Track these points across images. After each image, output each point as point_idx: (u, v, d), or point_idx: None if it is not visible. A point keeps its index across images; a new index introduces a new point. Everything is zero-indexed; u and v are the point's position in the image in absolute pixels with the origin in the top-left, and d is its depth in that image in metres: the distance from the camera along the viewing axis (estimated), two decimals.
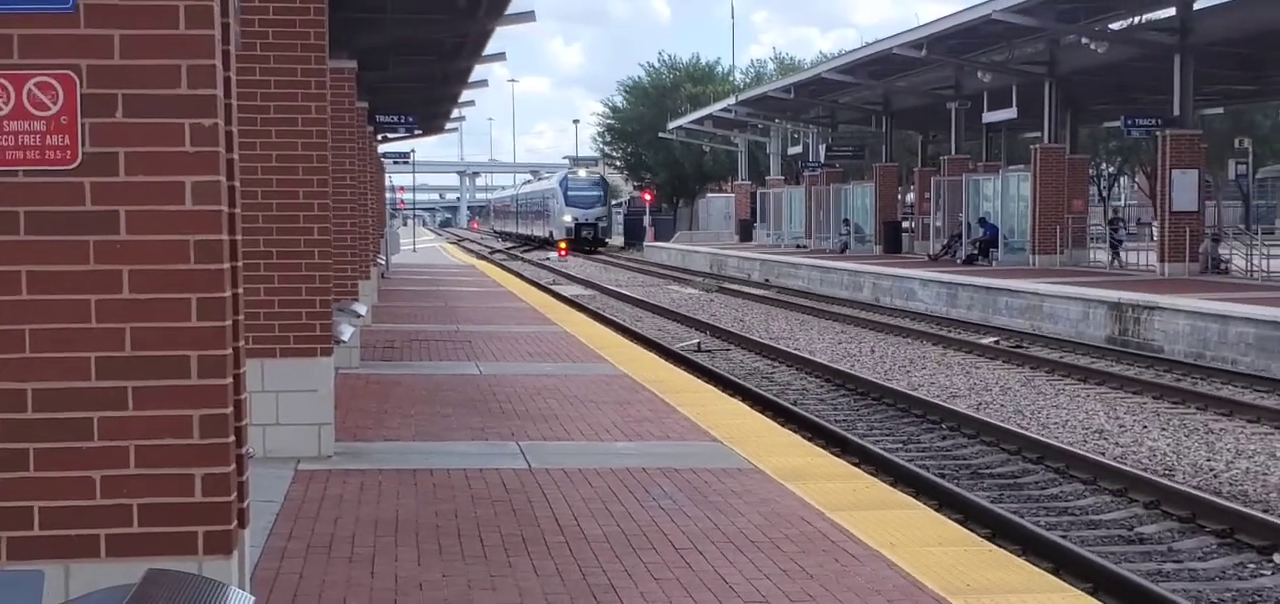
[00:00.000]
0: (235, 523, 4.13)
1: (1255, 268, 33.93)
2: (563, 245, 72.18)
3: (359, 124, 22.35)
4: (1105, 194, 79.48)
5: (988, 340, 26.42)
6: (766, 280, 47.56)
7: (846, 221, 55.29)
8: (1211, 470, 14.03)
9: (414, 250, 63.45)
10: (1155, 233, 37.34)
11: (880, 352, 25.42)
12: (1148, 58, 35.23)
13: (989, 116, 43.01)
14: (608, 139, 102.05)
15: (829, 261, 46.28)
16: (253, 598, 3.74)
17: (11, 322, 3.96)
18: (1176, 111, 33.59)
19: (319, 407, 10.54)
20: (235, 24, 4.29)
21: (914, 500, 10.09)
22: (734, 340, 27.37)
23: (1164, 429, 16.43)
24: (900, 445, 15.50)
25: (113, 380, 3.98)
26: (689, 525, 8.13)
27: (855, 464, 12.33)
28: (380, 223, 38.47)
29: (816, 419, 16.68)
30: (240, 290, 4.31)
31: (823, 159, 58.01)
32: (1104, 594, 8.46)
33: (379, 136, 36.58)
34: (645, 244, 74.43)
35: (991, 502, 12.23)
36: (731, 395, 16.27)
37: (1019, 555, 8.82)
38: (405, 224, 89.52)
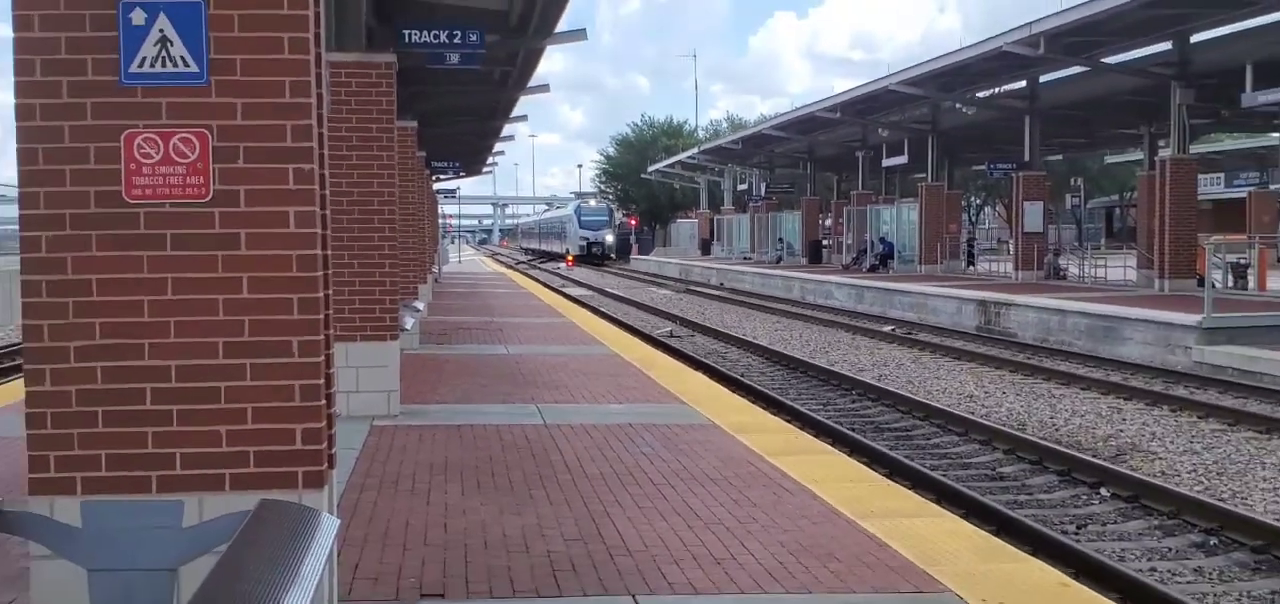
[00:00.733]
0: (326, 465, 4.13)
1: (1085, 275, 34.06)
2: (570, 257, 71.87)
3: (418, 168, 22.30)
4: (974, 220, 79.50)
5: (886, 329, 26.50)
6: (721, 284, 47.57)
7: (781, 240, 55.25)
8: (1054, 425, 14.09)
9: (459, 263, 63.32)
10: (1011, 249, 37.41)
11: (806, 337, 25.46)
12: (1006, 118, 35.36)
13: (887, 162, 43.12)
14: (603, 179, 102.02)
15: (768, 270, 46.27)
16: (339, 521, 3.74)
17: (160, 315, 3.96)
18: (1027, 158, 33.71)
19: (388, 378, 10.54)
20: (326, 94, 4.29)
21: (832, 448, 10.11)
22: (698, 329, 27.39)
23: (1018, 394, 16.48)
24: (821, 406, 15.53)
25: (235, 359, 3.98)
26: (664, 466, 8.15)
27: (788, 421, 12.36)
28: (434, 241, 38.37)
29: (759, 387, 16.70)
30: (330, 291, 4.31)
31: (763, 193, 57.99)
32: (974, 518, 8.51)
33: (434, 176, 36.54)
34: (632, 257, 74.27)
35: (889, 449, 12.26)
36: (696, 370, 16.31)
37: (910, 489, 8.85)
38: (452, 243, 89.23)
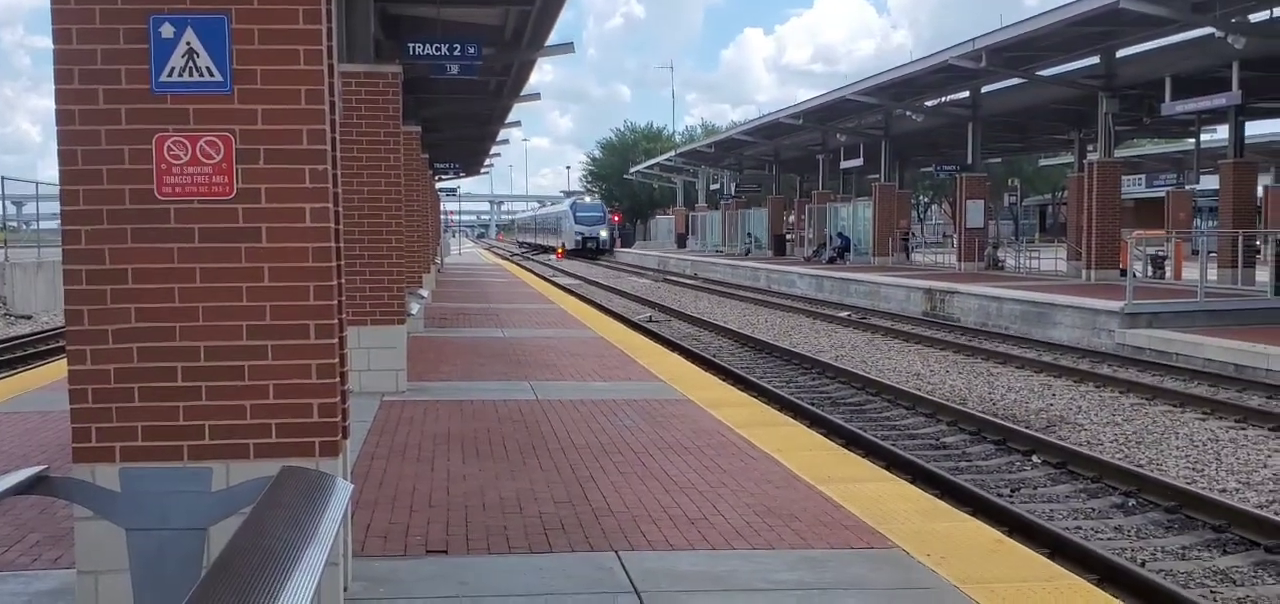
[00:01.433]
0: (340, 436, 4.14)
1: (1021, 266, 34.21)
2: (560, 250, 71.38)
3: (423, 168, 22.25)
4: (922, 217, 79.70)
5: (843, 314, 26.57)
6: (696, 274, 47.58)
7: (749, 235, 55.37)
8: (991, 400, 14.16)
9: (459, 255, 63.14)
10: (955, 242, 37.56)
11: (772, 321, 25.51)
12: (951, 125, 35.45)
13: (845, 164, 43.17)
14: (589, 179, 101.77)
15: (737, 262, 46.33)
16: (352, 486, 3.75)
17: (190, 301, 3.96)
18: (970, 161, 33.84)
19: (396, 358, 10.53)
20: (339, 102, 4.29)
21: (793, 420, 10.15)
22: (675, 314, 27.39)
23: (960, 373, 16.56)
24: (785, 384, 15.56)
25: (257, 340, 3.98)
26: (643, 437, 8.17)
27: (755, 397, 12.39)
28: (437, 235, 38.30)
29: (729, 366, 16.73)
30: (343, 280, 4.31)
31: (733, 193, 58.06)
32: (920, 482, 8.56)
33: (436, 176, 36.43)
34: (615, 250, 74.08)
35: (845, 421, 12.29)
36: (673, 351, 16.32)
37: (864, 457, 8.90)
38: (453, 236, 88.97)
